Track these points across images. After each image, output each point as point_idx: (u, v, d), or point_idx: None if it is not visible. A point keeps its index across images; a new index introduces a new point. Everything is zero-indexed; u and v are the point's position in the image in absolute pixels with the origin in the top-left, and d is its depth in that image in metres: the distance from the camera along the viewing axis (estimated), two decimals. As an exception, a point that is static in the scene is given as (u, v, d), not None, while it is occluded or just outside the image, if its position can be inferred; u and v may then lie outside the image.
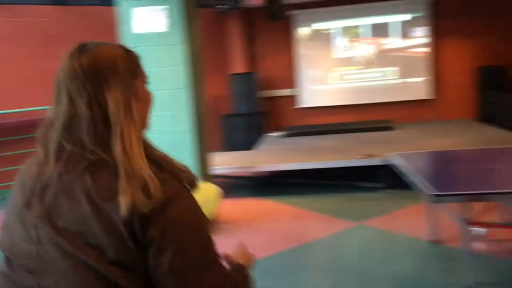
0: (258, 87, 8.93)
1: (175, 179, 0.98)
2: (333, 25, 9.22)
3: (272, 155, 6.66)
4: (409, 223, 4.55)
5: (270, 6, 6.90)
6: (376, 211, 5.00)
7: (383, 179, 5.71)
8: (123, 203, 0.91)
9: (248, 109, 8.63)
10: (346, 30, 9.21)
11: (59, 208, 0.96)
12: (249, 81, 8.76)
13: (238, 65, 9.18)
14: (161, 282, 0.95)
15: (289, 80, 9.48)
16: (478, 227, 3.90)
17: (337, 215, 4.94)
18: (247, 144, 7.81)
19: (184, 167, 1.03)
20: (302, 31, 9.28)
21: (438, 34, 8.98)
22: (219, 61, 9.03)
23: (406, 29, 9.07)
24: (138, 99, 1.03)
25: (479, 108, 8.98)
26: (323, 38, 9.26)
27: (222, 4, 6.68)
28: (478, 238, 3.94)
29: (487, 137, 6.69)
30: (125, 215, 0.91)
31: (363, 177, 5.93)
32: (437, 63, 9.08)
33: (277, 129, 8.98)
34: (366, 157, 5.76)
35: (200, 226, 1.00)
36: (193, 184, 1.02)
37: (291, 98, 9.54)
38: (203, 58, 5.07)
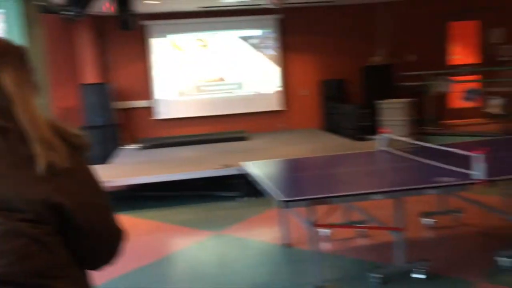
0: (112, 98, 8.59)
1: (70, 146, 1.07)
2: (189, 37, 9.30)
3: (129, 168, 6.45)
4: (263, 229, 4.76)
5: (121, 15, 6.67)
6: (233, 219, 5.13)
7: (239, 188, 5.89)
8: (40, 164, 0.99)
9: (102, 121, 8.25)
10: (202, 43, 9.35)
11: None
12: (102, 92, 8.38)
13: (90, 75, 8.73)
14: (78, 236, 1.08)
15: (145, 91, 9.30)
16: (323, 229, 4.24)
17: (195, 226, 4.95)
18: (102, 157, 7.44)
19: (77, 131, 1.12)
20: (157, 42, 9.18)
21: (286, 49, 9.61)
22: (69, 71, 8.49)
23: (259, 44, 9.52)
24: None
25: (323, 118, 9.80)
26: (179, 49, 9.28)
27: (68, 10, 6.27)
28: (324, 238, 4.28)
29: (331, 144, 7.32)
30: (41, 176, 0.99)
31: (221, 186, 6.05)
32: (287, 77, 9.70)
33: (133, 141, 8.73)
34: (223, 167, 5.89)
35: (99, 183, 1.15)
36: (86, 147, 1.13)
37: (148, 110, 9.35)
38: (48, 67, 4.72)
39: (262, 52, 9.54)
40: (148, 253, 4.24)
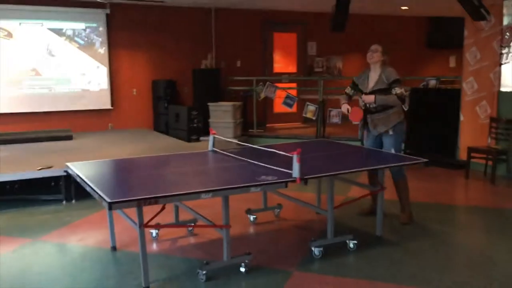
0: None
1: None
2: (7, 25, 8.38)
3: None
4: (89, 233, 4.53)
5: None
6: (56, 224, 4.77)
7: (64, 190, 5.52)
8: None
9: None
10: (24, 31, 8.50)
11: None
12: None
13: None
14: None
15: None
16: (152, 229, 4.22)
17: (10, 234, 4.49)
18: None
19: None
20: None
21: (114, 46, 9.27)
22: None
23: (83, 38, 9.01)
24: None
25: (154, 119, 9.72)
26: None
27: None
28: (153, 239, 4.26)
29: (161, 145, 7.30)
30: None
31: (43, 189, 5.58)
32: (115, 74, 9.36)
33: None
34: (45, 168, 5.45)
35: None
36: None
37: (-49, 103, 8.15)
38: None
39: (86, 47, 9.05)
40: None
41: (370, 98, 4.62)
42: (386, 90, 4.58)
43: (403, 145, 4.77)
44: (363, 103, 4.76)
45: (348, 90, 4.95)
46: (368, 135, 4.87)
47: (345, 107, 4.80)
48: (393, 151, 4.62)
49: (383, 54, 4.67)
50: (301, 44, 11.17)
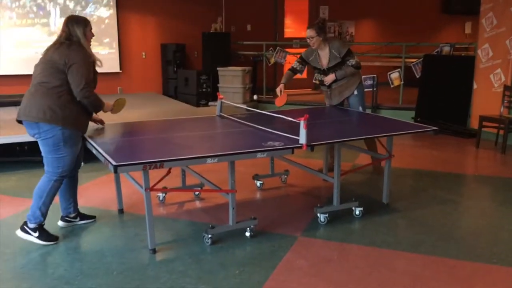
0: None
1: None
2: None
3: None
4: (99, 195, 4.57)
5: None
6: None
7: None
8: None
9: None
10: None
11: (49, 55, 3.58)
12: None
13: None
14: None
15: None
16: (158, 193, 4.25)
17: (20, 194, 4.55)
18: None
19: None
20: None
21: (122, 8, 9.14)
22: None
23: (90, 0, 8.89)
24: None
25: (164, 83, 9.67)
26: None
27: None
28: (160, 203, 4.29)
29: (170, 109, 7.27)
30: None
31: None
32: (123, 37, 9.26)
33: None
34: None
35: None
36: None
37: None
38: None
39: (95, 9, 8.93)
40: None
41: (331, 77, 4.79)
42: (341, 64, 4.75)
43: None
44: (318, 80, 4.94)
45: (296, 65, 5.06)
46: (332, 101, 5.07)
47: (279, 89, 4.92)
48: (360, 109, 4.91)
49: (319, 34, 4.78)
50: (313, 8, 10.92)
